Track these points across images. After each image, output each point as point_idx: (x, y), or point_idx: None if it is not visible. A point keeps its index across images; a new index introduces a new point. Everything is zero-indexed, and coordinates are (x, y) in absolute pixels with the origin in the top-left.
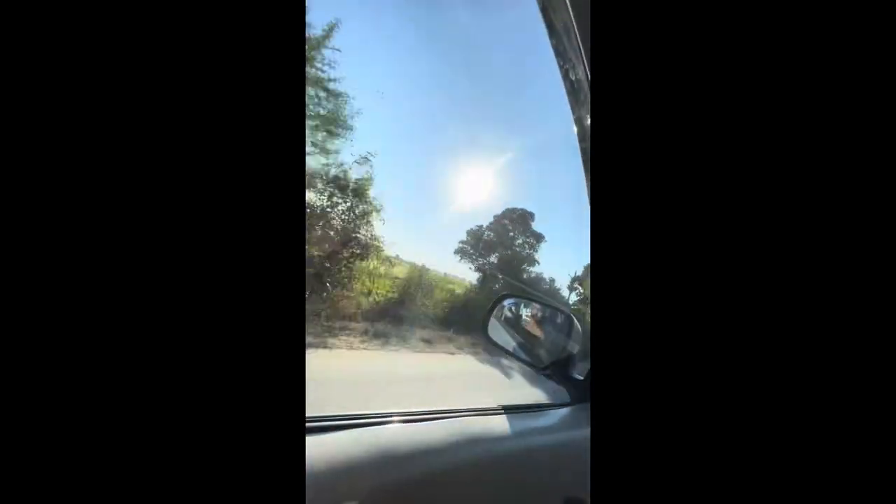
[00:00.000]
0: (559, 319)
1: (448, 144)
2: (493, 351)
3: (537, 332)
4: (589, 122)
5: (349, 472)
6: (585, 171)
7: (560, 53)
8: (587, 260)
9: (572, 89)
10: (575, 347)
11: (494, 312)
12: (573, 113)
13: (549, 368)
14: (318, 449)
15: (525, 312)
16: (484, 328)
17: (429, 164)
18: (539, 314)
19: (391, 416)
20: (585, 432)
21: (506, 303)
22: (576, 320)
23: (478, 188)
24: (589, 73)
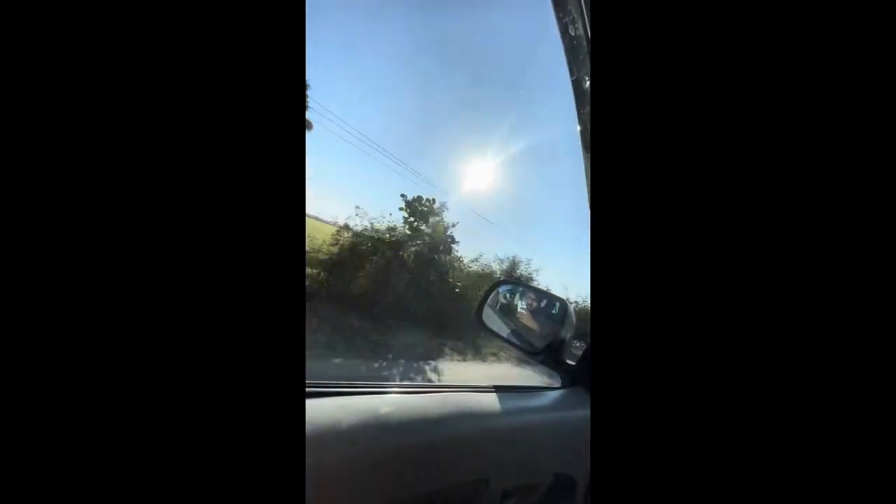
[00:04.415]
0: (552, 306)
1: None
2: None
3: (531, 318)
4: (587, 84)
5: (341, 437)
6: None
7: (559, 6)
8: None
9: (571, 46)
10: (567, 334)
11: (489, 299)
12: (571, 75)
13: (541, 354)
14: (314, 413)
15: (519, 299)
16: (478, 314)
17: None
18: (533, 301)
19: (389, 388)
20: (576, 413)
21: (500, 289)
22: (569, 307)
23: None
24: (589, 30)
